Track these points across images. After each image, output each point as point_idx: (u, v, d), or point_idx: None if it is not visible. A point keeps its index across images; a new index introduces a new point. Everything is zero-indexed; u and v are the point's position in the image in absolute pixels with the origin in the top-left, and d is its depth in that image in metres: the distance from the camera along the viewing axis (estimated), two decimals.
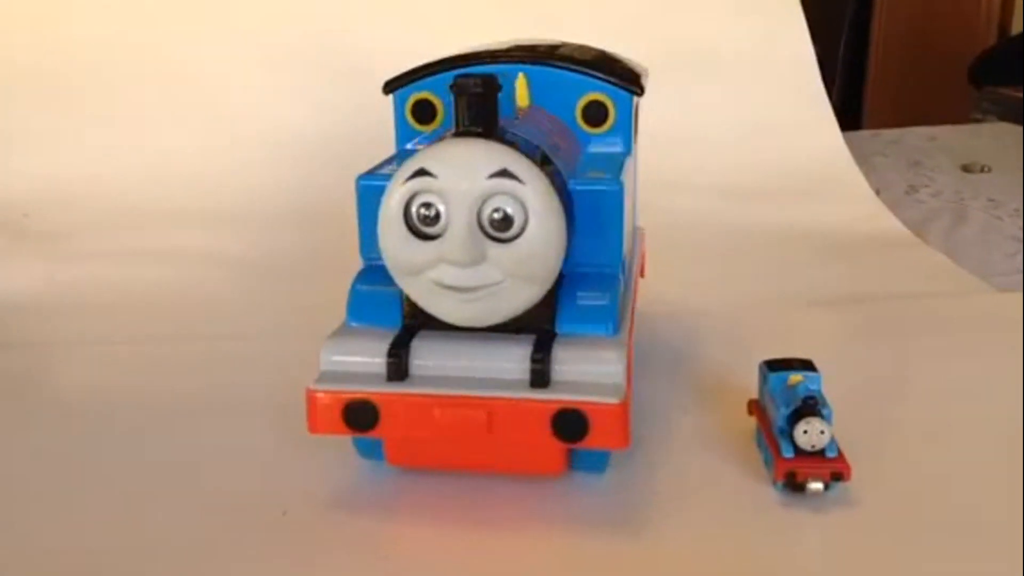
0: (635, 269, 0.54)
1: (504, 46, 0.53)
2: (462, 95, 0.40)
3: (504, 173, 0.39)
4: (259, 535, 0.42)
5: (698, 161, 0.91)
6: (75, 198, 0.84)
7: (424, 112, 0.51)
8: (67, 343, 0.63)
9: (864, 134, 1.14)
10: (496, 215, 0.39)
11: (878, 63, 2.17)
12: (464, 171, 0.39)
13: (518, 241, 0.39)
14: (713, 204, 0.86)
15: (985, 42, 2.09)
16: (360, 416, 0.40)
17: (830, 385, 0.44)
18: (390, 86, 0.51)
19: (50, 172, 0.87)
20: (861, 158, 0.96)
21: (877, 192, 0.89)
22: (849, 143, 0.97)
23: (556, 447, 0.41)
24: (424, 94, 0.51)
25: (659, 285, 0.63)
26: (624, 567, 0.39)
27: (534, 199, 0.39)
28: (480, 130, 0.40)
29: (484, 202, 0.39)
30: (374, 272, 0.44)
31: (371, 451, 0.44)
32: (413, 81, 0.51)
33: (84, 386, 0.57)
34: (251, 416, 0.52)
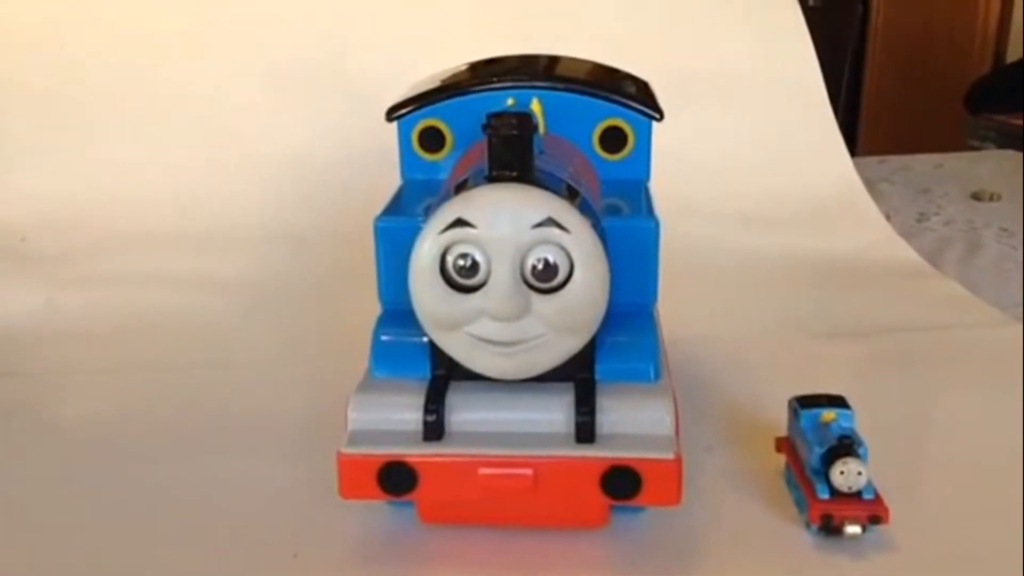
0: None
1: (498, 62, 0.52)
2: (496, 137, 0.38)
3: (549, 222, 0.38)
4: None
5: (705, 187, 0.91)
6: (73, 221, 0.83)
7: (431, 140, 0.49)
8: (65, 371, 0.62)
9: (869, 160, 1.13)
10: (539, 265, 0.38)
11: (873, 90, 2.18)
12: (506, 221, 0.38)
13: (563, 292, 0.38)
14: (721, 230, 0.86)
15: (981, 69, 2.12)
16: (397, 480, 0.39)
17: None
18: (394, 113, 0.49)
19: (48, 194, 0.85)
20: (867, 185, 0.96)
21: (888, 218, 0.88)
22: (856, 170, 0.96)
23: (603, 504, 0.40)
24: (431, 121, 0.49)
25: (669, 313, 0.62)
26: None
27: (580, 249, 0.38)
28: (515, 174, 0.39)
29: (527, 252, 0.38)
30: (395, 318, 0.43)
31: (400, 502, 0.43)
32: (418, 108, 0.49)
33: (83, 416, 0.56)
34: (258, 448, 0.51)
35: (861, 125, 2.20)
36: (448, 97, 0.48)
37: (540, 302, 0.38)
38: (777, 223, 0.87)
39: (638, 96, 0.49)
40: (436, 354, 0.41)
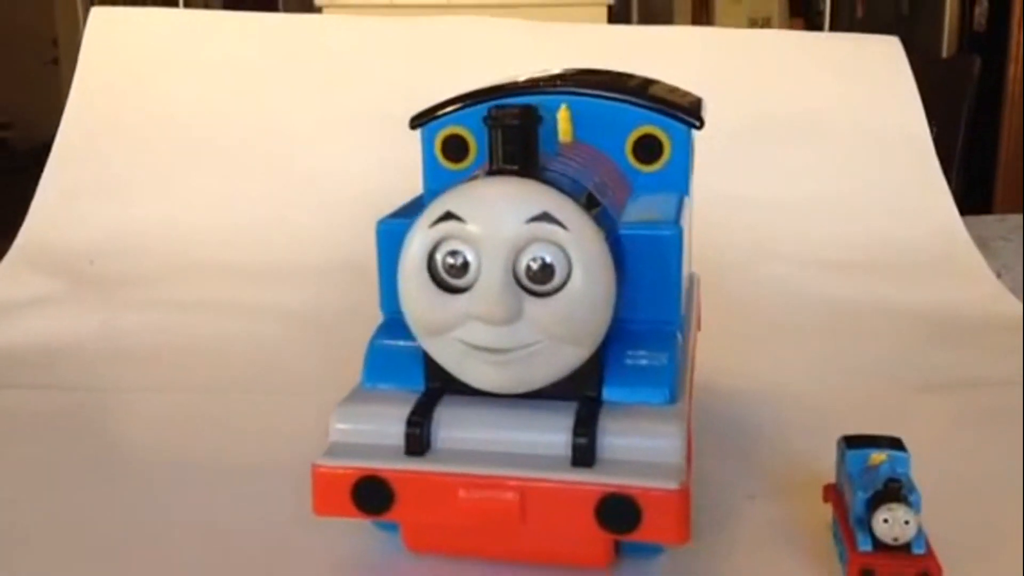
0: (692, 324, 0.48)
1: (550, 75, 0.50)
2: (496, 128, 0.36)
3: (545, 217, 0.35)
4: None
5: (798, 230, 0.87)
6: (140, 248, 0.86)
7: (455, 149, 0.47)
8: (120, 389, 0.63)
9: (989, 219, 1.07)
10: (534, 264, 0.34)
11: (1010, 147, 2.06)
12: (498, 215, 0.35)
13: (559, 295, 0.35)
14: (814, 276, 0.82)
15: None
16: (372, 496, 0.35)
17: (929, 476, 0.39)
18: (418, 120, 0.47)
19: (117, 221, 0.89)
20: (982, 241, 0.91)
21: (998, 275, 0.82)
22: (971, 227, 0.92)
23: (602, 538, 0.35)
24: (455, 129, 0.47)
25: (743, 357, 0.60)
26: None
27: (579, 247, 0.34)
28: (516, 168, 0.36)
29: (521, 250, 0.35)
30: (395, 327, 0.40)
31: (388, 526, 0.39)
32: (443, 115, 0.47)
33: (132, 431, 0.57)
34: (292, 471, 0.47)
35: (998, 184, 2.09)
36: (472, 103, 0.46)
37: (534, 306, 0.34)
38: (870, 271, 0.82)
39: (673, 102, 0.46)
40: (430, 364, 0.38)
